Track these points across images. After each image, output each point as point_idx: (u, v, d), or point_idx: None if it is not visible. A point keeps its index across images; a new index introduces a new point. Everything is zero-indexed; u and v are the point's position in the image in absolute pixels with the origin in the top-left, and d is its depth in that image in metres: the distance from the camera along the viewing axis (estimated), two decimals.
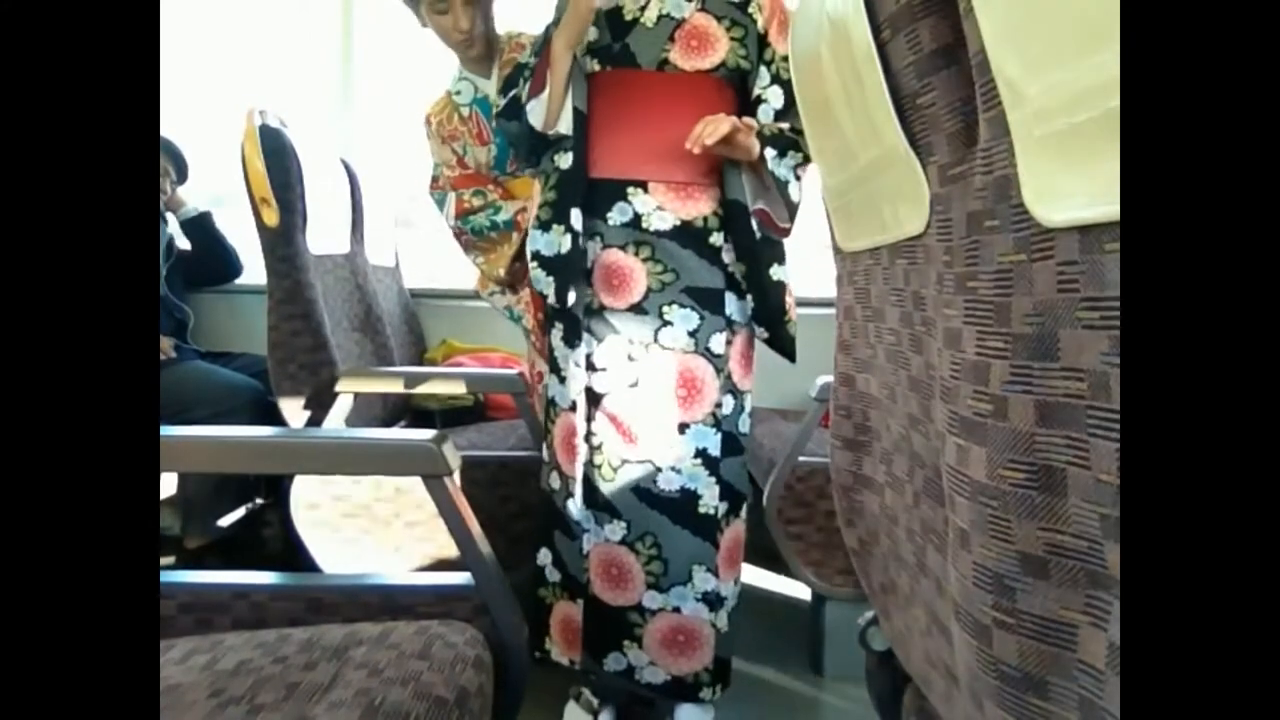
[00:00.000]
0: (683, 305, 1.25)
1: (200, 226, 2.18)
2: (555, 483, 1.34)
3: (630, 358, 1.26)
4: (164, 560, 1.90)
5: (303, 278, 1.50)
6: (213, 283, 2.26)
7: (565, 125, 1.27)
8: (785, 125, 1.26)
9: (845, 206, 0.67)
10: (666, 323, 1.25)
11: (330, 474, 0.87)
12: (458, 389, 1.97)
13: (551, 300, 1.27)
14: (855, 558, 0.75)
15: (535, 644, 1.35)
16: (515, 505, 1.59)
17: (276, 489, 1.87)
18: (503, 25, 1.75)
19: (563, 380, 1.33)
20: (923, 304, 0.51)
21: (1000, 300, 0.39)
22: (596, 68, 1.27)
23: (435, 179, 1.79)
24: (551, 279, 1.26)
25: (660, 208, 1.26)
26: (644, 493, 1.25)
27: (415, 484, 0.82)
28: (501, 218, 1.78)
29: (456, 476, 0.84)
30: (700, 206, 1.27)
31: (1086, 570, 0.36)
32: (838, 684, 1.59)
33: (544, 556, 1.35)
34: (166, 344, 1.95)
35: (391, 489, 1.50)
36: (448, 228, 1.79)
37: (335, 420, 1.49)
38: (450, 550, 1.50)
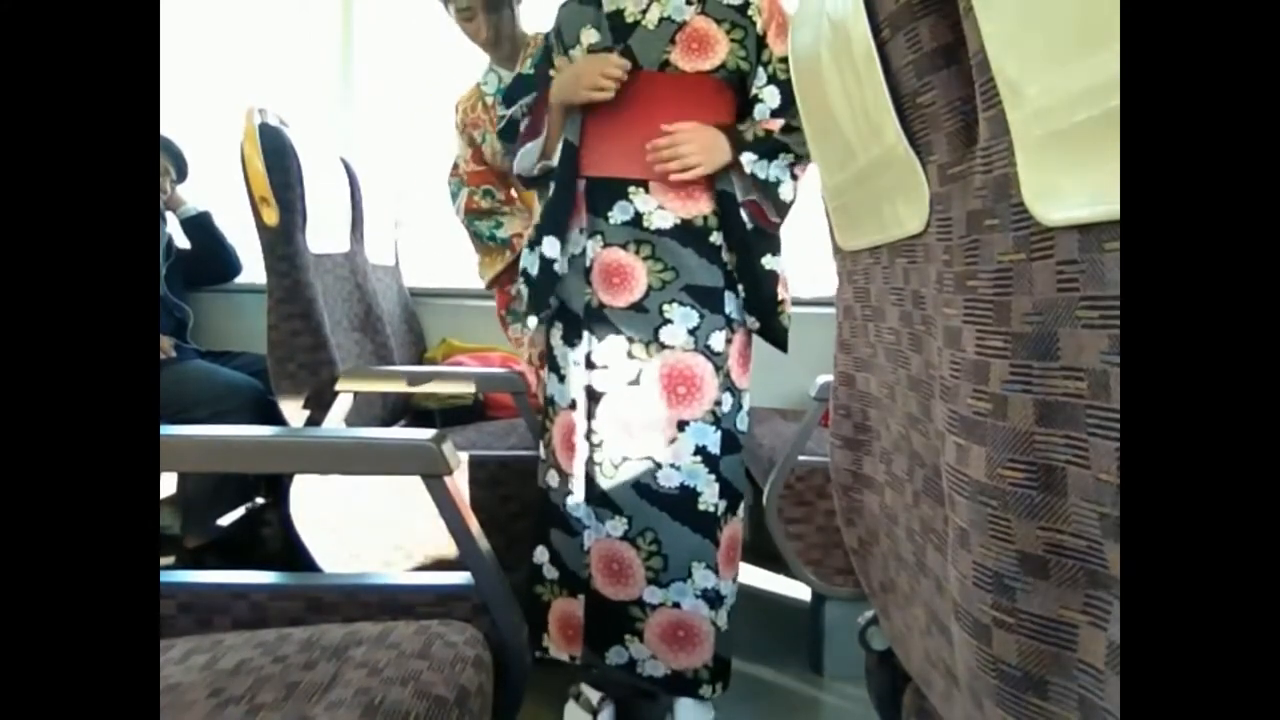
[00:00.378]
0: (683, 303, 1.26)
1: (200, 226, 2.18)
2: (554, 480, 1.35)
3: (630, 355, 1.27)
4: (164, 560, 1.90)
5: (302, 277, 1.50)
6: (212, 282, 2.26)
7: (556, 157, 1.33)
8: (779, 124, 1.28)
9: (845, 206, 0.67)
10: (667, 321, 1.26)
11: (330, 473, 0.87)
12: (457, 388, 1.97)
13: (525, 311, 1.35)
14: (855, 557, 0.75)
15: (533, 642, 1.35)
16: (515, 505, 1.60)
17: (276, 488, 1.87)
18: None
19: (562, 379, 1.33)
20: (922, 303, 0.51)
21: (1000, 299, 0.39)
22: None
23: (455, 166, 1.89)
24: (526, 291, 1.34)
25: (661, 206, 1.27)
26: (644, 489, 1.26)
27: (415, 483, 0.82)
28: (501, 234, 1.85)
29: (456, 476, 0.84)
30: (700, 205, 1.28)
31: (1086, 570, 0.36)
32: (838, 684, 1.59)
33: (541, 554, 1.36)
34: (166, 343, 1.95)
35: (391, 488, 1.50)
36: (456, 217, 1.86)
37: (335, 420, 1.49)
38: (450, 550, 1.50)
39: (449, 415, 1.97)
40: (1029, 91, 0.35)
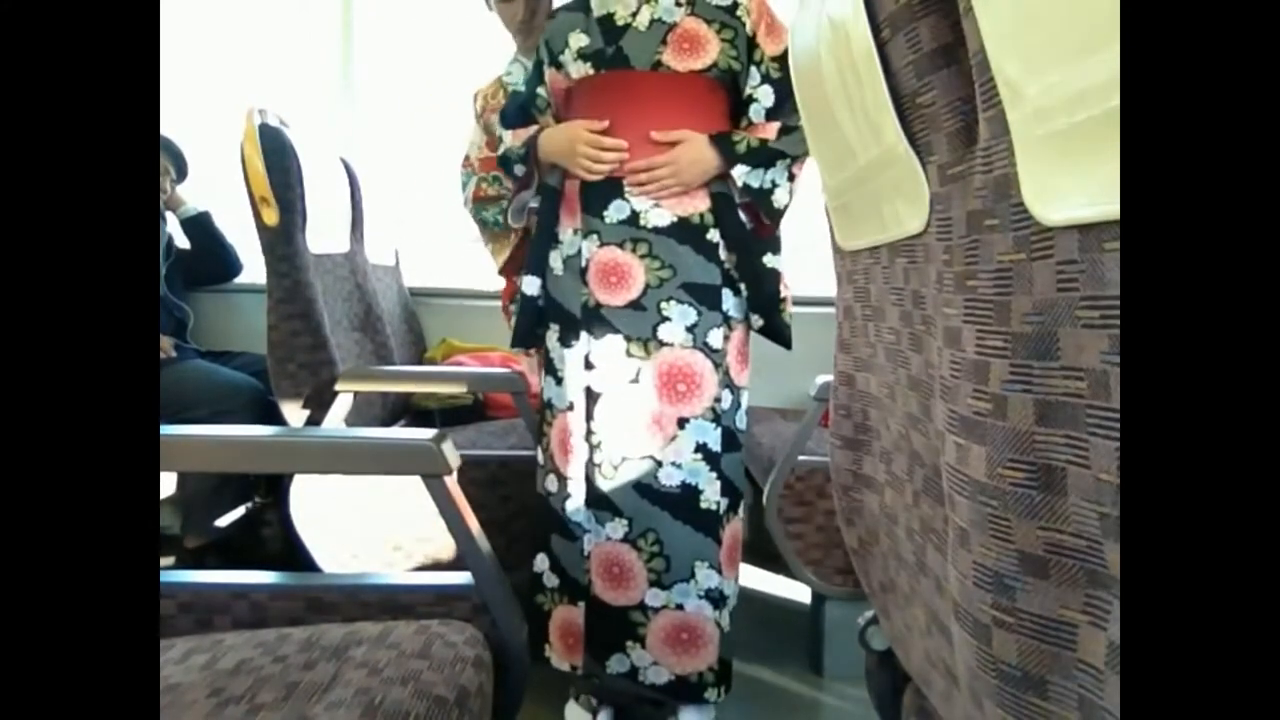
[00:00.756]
0: (680, 301, 1.26)
1: (200, 225, 2.18)
2: (552, 485, 1.34)
3: (629, 354, 1.26)
4: (164, 560, 1.90)
5: (302, 277, 1.50)
6: (212, 282, 2.26)
7: (536, 201, 1.38)
8: (774, 127, 1.29)
9: (845, 206, 0.67)
10: (665, 318, 1.26)
11: (330, 473, 0.87)
12: (457, 388, 1.97)
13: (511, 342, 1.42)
14: (855, 557, 0.75)
15: (534, 651, 1.35)
16: (515, 505, 1.60)
17: (276, 488, 1.87)
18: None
19: (559, 381, 1.33)
20: (922, 303, 0.51)
21: (1000, 299, 0.39)
22: (590, 71, 1.29)
23: (467, 157, 1.90)
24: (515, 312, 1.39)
25: (657, 205, 1.27)
26: (645, 489, 1.25)
27: (415, 483, 0.82)
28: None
29: (456, 476, 0.84)
30: (696, 203, 1.28)
31: (1086, 569, 0.36)
32: (838, 684, 1.59)
33: (541, 562, 1.35)
34: (166, 343, 1.95)
35: (391, 488, 1.50)
36: (464, 209, 1.86)
37: (335, 419, 1.49)
38: (450, 550, 1.50)
39: (449, 415, 1.98)
40: (1029, 91, 0.35)
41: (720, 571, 1.27)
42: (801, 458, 1.57)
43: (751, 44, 1.30)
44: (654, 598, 1.26)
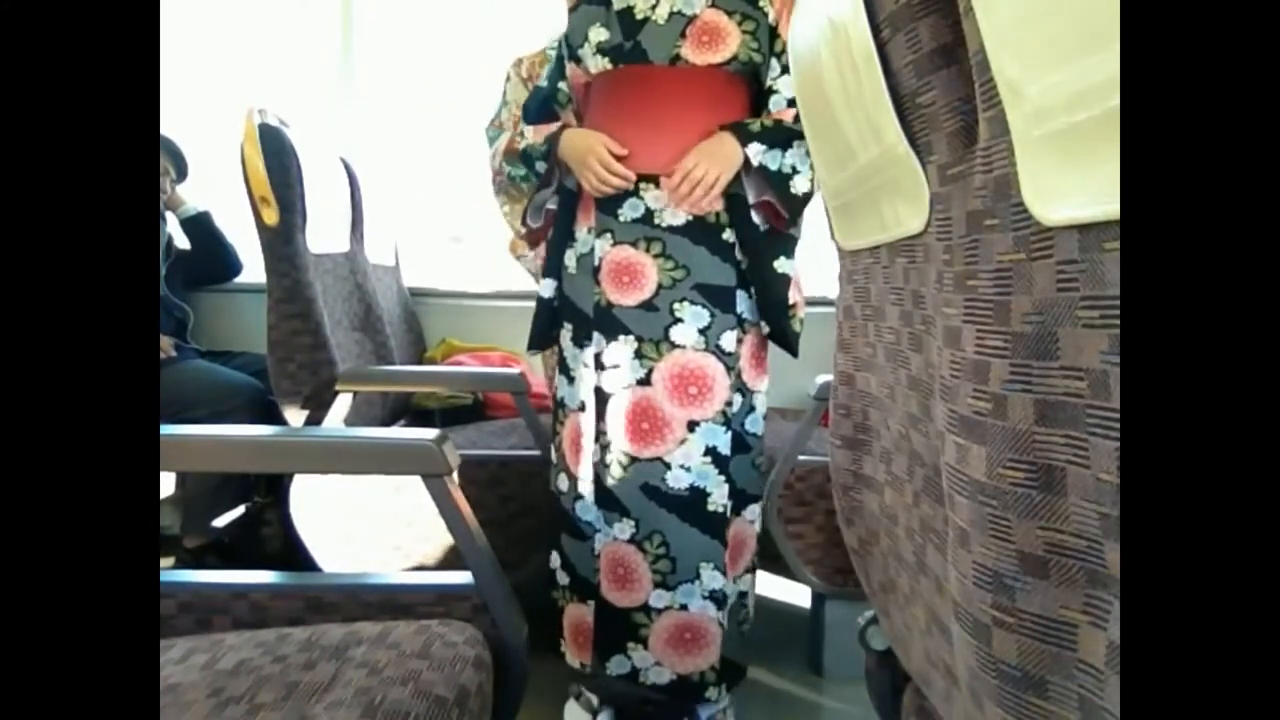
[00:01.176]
0: (694, 302, 1.24)
1: (200, 225, 2.18)
2: (564, 484, 1.34)
3: (640, 355, 1.25)
4: (164, 560, 1.90)
5: (302, 277, 1.50)
6: (212, 282, 2.26)
7: (554, 202, 1.37)
8: (792, 113, 1.25)
9: (845, 205, 0.67)
10: (677, 320, 1.24)
11: (330, 473, 0.87)
12: (457, 388, 1.97)
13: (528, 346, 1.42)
14: (855, 557, 0.75)
15: (551, 645, 1.35)
16: (515, 505, 1.59)
17: (276, 488, 1.87)
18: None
19: (571, 380, 1.32)
20: (922, 302, 0.51)
21: (1000, 299, 0.39)
22: (608, 66, 1.27)
23: (495, 118, 1.92)
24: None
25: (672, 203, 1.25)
26: (653, 491, 1.25)
27: (415, 483, 0.82)
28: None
29: (456, 475, 0.84)
30: (712, 202, 1.26)
31: (1086, 569, 0.36)
32: (838, 684, 1.59)
33: (555, 560, 1.35)
34: (166, 343, 1.95)
35: (391, 488, 1.50)
36: (490, 169, 1.85)
37: (335, 419, 1.49)
38: (450, 550, 1.50)
39: (449, 415, 1.97)
40: (1029, 91, 0.35)
41: (724, 573, 1.26)
42: (801, 457, 1.57)
43: (773, 35, 1.27)
44: (658, 599, 1.25)
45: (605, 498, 1.27)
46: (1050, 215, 0.35)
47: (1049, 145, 0.34)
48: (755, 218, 1.26)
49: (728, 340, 1.26)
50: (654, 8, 1.25)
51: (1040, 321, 0.36)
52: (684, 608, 1.25)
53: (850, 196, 0.64)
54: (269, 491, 1.93)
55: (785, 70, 1.27)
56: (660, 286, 1.25)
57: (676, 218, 1.25)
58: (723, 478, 1.26)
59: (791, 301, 1.30)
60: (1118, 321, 0.32)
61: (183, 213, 2.16)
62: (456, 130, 2.43)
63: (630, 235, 1.26)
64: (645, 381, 1.25)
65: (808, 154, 1.23)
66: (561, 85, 1.38)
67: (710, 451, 1.25)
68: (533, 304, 1.41)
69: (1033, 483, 0.38)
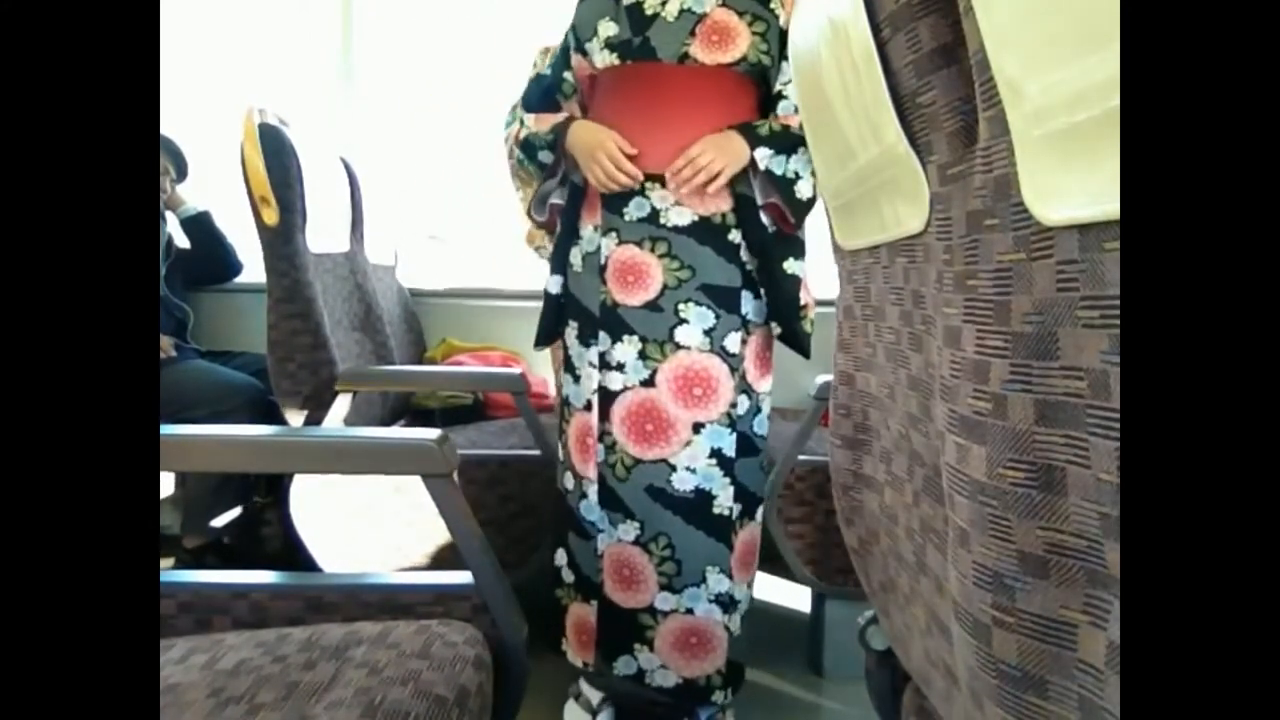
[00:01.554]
0: (699, 303, 1.24)
1: (200, 225, 2.18)
2: (569, 483, 1.33)
3: (645, 355, 1.24)
4: (164, 560, 1.90)
5: (302, 277, 1.50)
6: (212, 282, 2.26)
7: (560, 196, 1.35)
8: (798, 120, 1.24)
9: (845, 205, 0.67)
10: (682, 320, 1.24)
11: (330, 473, 0.87)
12: (457, 388, 1.97)
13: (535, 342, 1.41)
14: (855, 557, 0.75)
15: (553, 643, 1.35)
16: (515, 504, 1.60)
17: (276, 488, 1.87)
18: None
19: (577, 379, 1.32)
20: (922, 302, 0.51)
21: (1000, 299, 0.39)
22: (615, 61, 1.26)
23: (516, 104, 1.90)
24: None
25: (678, 203, 1.24)
26: (658, 493, 1.24)
27: (415, 483, 0.82)
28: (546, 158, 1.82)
29: (456, 475, 0.84)
30: (719, 203, 1.25)
31: (1086, 569, 0.36)
32: (838, 684, 1.59)
33: (560, 557, 1.35)
34: (166, 343, 1.95)
35: (391, 488, 1.50)
36: (505, 150, 1.86)
37: (335, 419, 1.49)
38: (450, 549, 1.50)
39: (449, 415, 1.98)
40: (1029, 91, 0.35)
41: (731, 576, 1.26)
42: (801, 457, 1.57)
43: (784, 37, 1.25)
44: (664, 601, 1.25)
45: (610, 498, 1.27)
46: (1050, 215, 0.35)
47: (1049, 145, 0.34)
48: (764, 219, 1.25)
49: (732, 341, 1.25)
50: (664, 4, 1.24)
51: (1040, 321, 0.36)
52: (690, 611, 1.25)
53: (850, 196, 0.64)
54: (269, 491, 1.93)
55: None
56: (665, 287, 1.24)
57: (682, 218, 1.24)
58: (728, 480, 1.25)
59: (802, 302, 1.29)
60: (1118, 321, 0.32)
61: (183, 212, 2.16)
62: (456, 130, 2.43)
63: (636, 235, 1.25)
64: (649, 382, 1.24)
65: (809, 160, 1.22)
66: (567, 75, 1.36)
67: (715, 454, 1.24)
68: (533, 303, 1.41)
69: (1033, 483, 0.37)
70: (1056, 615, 0.38)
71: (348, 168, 1.85)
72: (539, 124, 1.35)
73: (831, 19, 0.56)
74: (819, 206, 1.23)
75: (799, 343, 1.30)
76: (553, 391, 1.77)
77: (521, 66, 1.94)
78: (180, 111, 2.21)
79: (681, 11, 1.24)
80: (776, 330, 1.30)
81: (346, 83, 2.40)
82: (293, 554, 1.56)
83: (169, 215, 2.15)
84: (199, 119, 2.27)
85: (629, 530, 1.25)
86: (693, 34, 1.23)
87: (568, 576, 1.33)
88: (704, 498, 1.24)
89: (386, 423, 1.83)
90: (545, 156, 1.33)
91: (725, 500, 1.25)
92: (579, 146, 1.27)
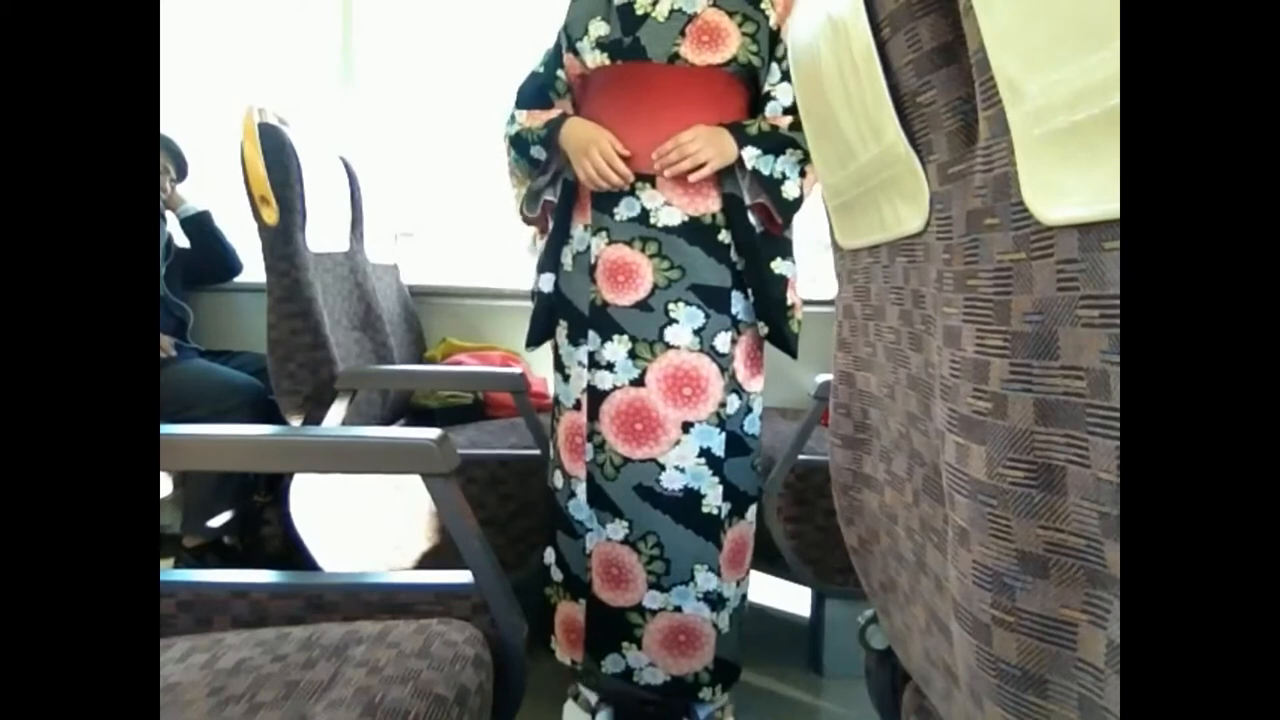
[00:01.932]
0: (689, 303, 1.24)
1: (199, 225, 2.18)
2: (559, 482, 1.34)
3: (634, 355, 1.25)
4: (164, 560, 1.90)
5: (302, 276, 1.50)
6: (212, 281, 2.26)
7: (552, 193, 1.35)
8: (787, 120, 1.25)
9: (845, 205, 0.67)
10: (672, 320, 1.24)
11: (330, 472, 0.87)
12: (457, 387, 1.97)
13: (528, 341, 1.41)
14: (855, 556, 0.75)
15: (542, 641, 1.35)
16: (515, 504, 1.60)
17: (276, 487, 1.87)
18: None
19: (566, 379, 1.32)
20: (922, 302, 0.51)
21: (1000, 298, 0.39)
22: (606, 61, 1.26)
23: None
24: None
25: (668, 203, 1.25)
26: (647, 492, 1.25)
27: (415, 482, 0.82)
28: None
29: (456, 475, 0.84)
30: (709, 203, 1.25)
31: (1086, 569, 0.36)
32: (838, 684, 1.59)
33: (549, 555, 1.36)
34: (166, 342, 1.95)
35: (391, 487, 1.50)
36: (503, 149, 1.85)
37: (334, 418, 1.49)
38: (450, 549, 1.50)
39: (448, 414, 1.97)
40: (1029, 90, 0.35)
41: (719, 575, 1.26)
42: (801, 457, 1.57)
43: (774, 38, 1.26)
44: (652, 600, 1.25)
45: (598, 497, 1.27)
46: (1050, 214, 0.35)
47: (1049, 144, 0.34)
48: (751, 219, 1.26)
49: (722, 341, 1.25)
50: (654, 4, 1.24)
51: (1040, 321, 0.36)
52: (678, 609, 1.25)
53: (850, 196, 0.64)
54: (269, 491, 1.93)
55: (785, 76, 1.26)
56: (656, 287, 1.24)
57: (672, 218, 1.25)
58: (717, 479, 1.26)
59: (790, 303, 1.29)
60: (1117, 321, 0.32)
61: (183, 212, 2.16)
62: (456, 130, 2.43)
63: (626, 234, 1.25)
64: (639, 382, 1.25)
65: (798, 162, 1.24)
66: (560, 73, 1.36)
67: (704, 453, 1.25)
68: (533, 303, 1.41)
69: (1033, 482, 0.37)
70: (1056, 614, 0.38)
71: (348, 168, 1.85)
72: (531, 120, 1.34)
73: (831, 18, 0.56)
74: (816, 207, 1.23)
75: (786, 343, 1.30)
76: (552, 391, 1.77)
77: (521, 66, 1.93)
78: (180, 111, 2.21)
79: (672, 12, 1.24)
80: (764, 330, 1.30)
81: (346, 83, 2.40)
82: (292, 553, 1.55)
83: (169, 215, 2.15)
84: (199, 119, 2.27)
85: (618, 529, 1.26)
86: (683, 34, 1.23)
87: (556, 575, 1.34)
88: (693, 497, 1.25)
89: (386, 422, 1.83)
90: (537, 152, 1.33)
91: (714, 499, 1.26)
92: (572, 143, 1.27)
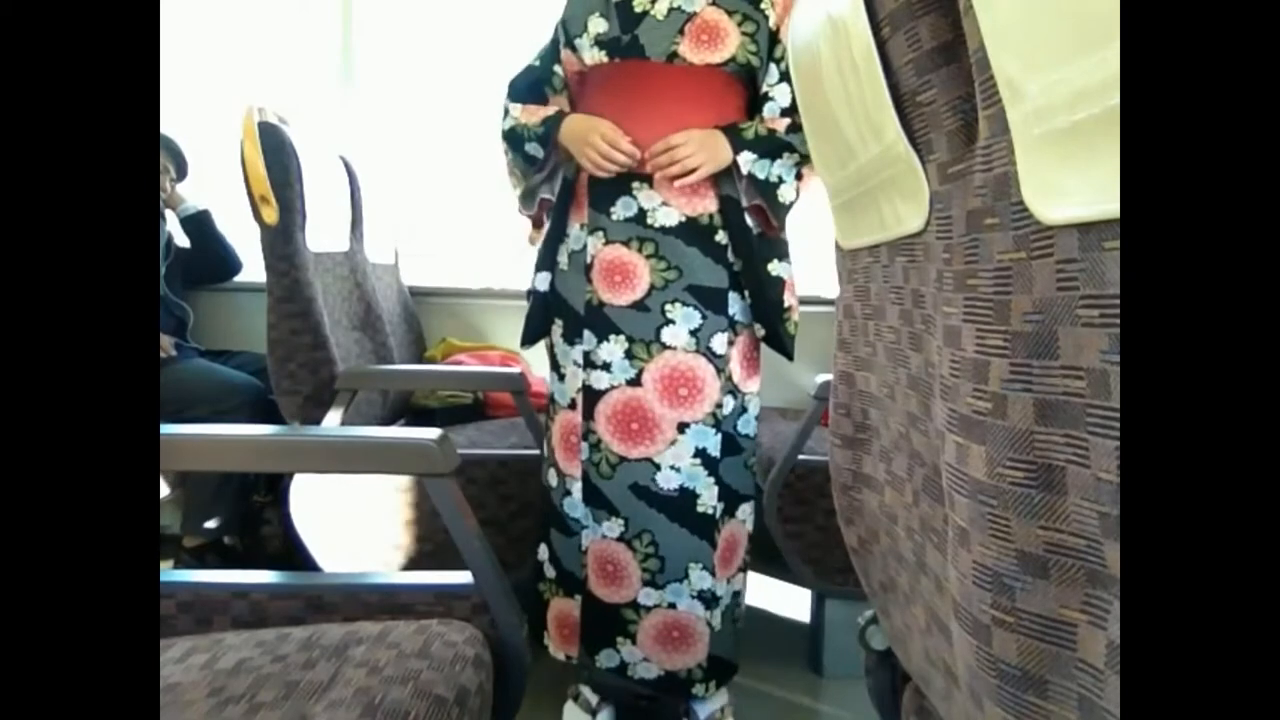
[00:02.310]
0: (685, 304, 1.24)
1: (199, 224, 2.18)
2: (553, 480, 1.34)
3: (631, 355, 1.25)
4: (164, 560, 1.90)
5: (302, 276, 1.50)
6: (212, 281, 2.26)
7: (550, 191, 1.33)
8: (785, 123, 1.25)
9: (845, 204, 0.67)
10: (668, 321, 1.24)
11: (330, 472, 0.87)
12: (457, 387, 1.97)
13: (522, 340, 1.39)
14: (855, 556, 0.75)
15: (533, 637, 1.35)
16: (515, 504, 1.60)
17: (276, 487, 1.87)
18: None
19: (562, 378, 1.33)
20: (922, 302, 0.51)
21: (1000, 298, 0.39)
22: (604, 59, 1.26)
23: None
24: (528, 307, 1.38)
25: (665, 203, 1.24)
26: (642, 491, 1.25)
27: (415, 482, 0.81)
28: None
29: (456, 475, 0.84)
30: (706, 203, 1.25)
31: (1086, 569, 0.36)
32: (838, 684, 1.59)
33: (542, 552, 1.36)
34: (166, 342, 1.95)
35: (391, 487, 1.50)
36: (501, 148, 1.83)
37: (334, 418, 1.49)
38: (450, 549, 1.50)
39: (448, 414, 1.97)
40: (1029, 90, 0.35)
41: (713, 573, 1.27)
42: (801, 457, 1.57)
43: (773, 38, 1.25)
44: (647, 597, 1.26)
45: (594, 496, 1.27)
46: (1050, 214, 0.35)
47: (1049, 144, 0.34)
48: (748, 221, 1.25)
49: (718, 342, 1.25)
50: (653, 1, 1.24)
51: (1040, 320, 0.36)
52: (672, 606, 1.26)
53: (850, 195, 0.64)
54: (269, 491, 1.94)
55: (783, 77, 1.26)
56: (652, 287, 1.24)
57: (670, 218, 1.24)
58: (712, 479, 1.26)
59: (786, 305, 1.29)
60: (1117, 320, 0.32)
61: (183, 211, 2.16)
62: (457, 130, 2.43)
63: (623, 234, 1.25)
64: (635, 382, 1.25)
65: (794, 165, 1.24)
66: (557, 69, 1.35)
67: (700, 453, 1.25)
68: None
69: (1032, 482, 0.37)
70: (1056, 615, 0.38)
71: (348, 167, 1.85)
72: (527, 116, 1.33)
73: (831, 17, 0.56)
74: (821, 207, 1.23)
75: (783, 345, 1.30)
76: None
77: (521, 66, 1.93)
78: (180, 111, 2.21)
79: (671, 10, 1.23)
80: (761, 332, 1.30)
81: (346, 83, 2.40)
82: (292, 553, 1.56)
83: (169, 214, 2.16)
84: (199, 119, 2.27)
85: (613, 527, 1.26)
86: (681, 33, 1.23)
87: (549, 572, 1.34)
88: (688, 496, 1.25)
89: (386, 422, 1.83)
90: (533, 149, 1.32)
91: (709, 499, 1.26)
92: (572, 137, 1.26)
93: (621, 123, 1.23)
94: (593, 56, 1.27)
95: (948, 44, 0.44)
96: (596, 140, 1.21)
